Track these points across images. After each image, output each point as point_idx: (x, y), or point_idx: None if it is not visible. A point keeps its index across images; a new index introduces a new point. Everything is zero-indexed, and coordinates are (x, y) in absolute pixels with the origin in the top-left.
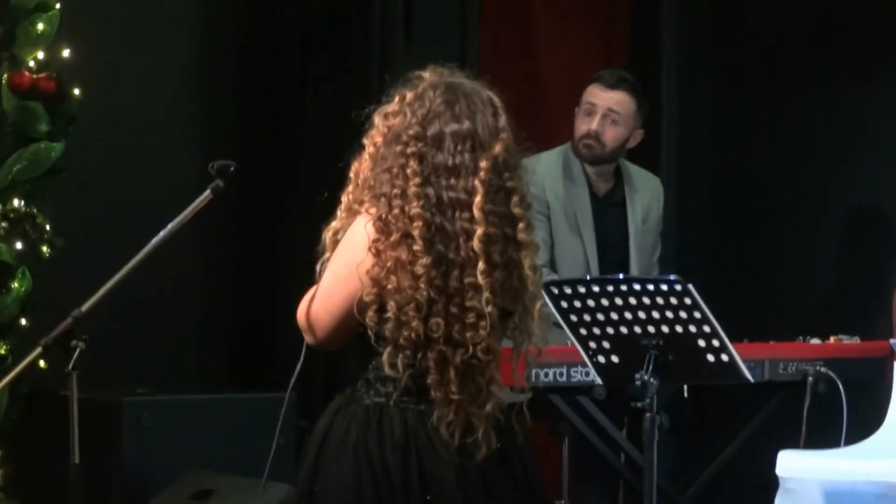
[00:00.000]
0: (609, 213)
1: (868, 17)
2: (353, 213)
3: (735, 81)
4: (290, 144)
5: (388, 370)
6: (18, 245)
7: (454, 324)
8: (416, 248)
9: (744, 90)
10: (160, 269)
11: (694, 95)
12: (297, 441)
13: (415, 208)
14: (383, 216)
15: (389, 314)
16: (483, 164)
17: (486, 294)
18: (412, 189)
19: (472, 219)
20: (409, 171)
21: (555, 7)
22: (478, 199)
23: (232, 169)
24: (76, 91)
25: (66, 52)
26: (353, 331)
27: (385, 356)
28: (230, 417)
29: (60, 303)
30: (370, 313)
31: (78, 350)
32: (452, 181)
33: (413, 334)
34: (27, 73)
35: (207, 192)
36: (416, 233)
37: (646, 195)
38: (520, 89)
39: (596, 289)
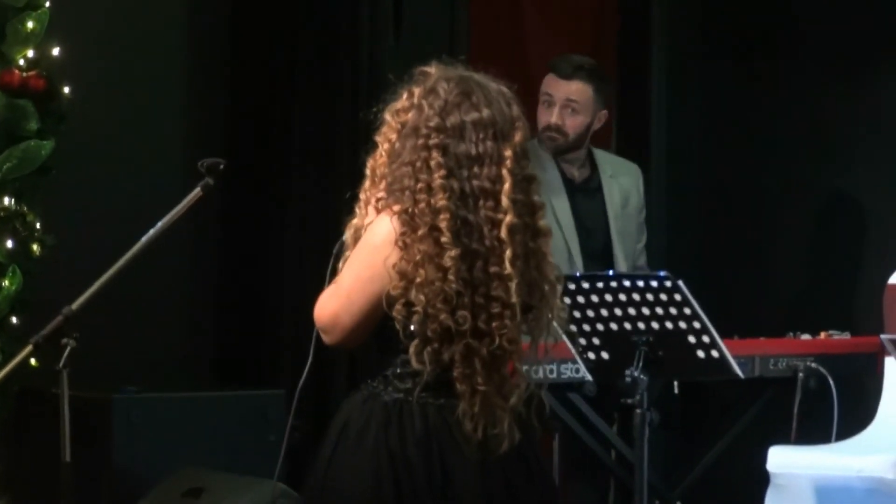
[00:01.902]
0: (587, 198)
1: (853, 17)
2: (373, 209)
3: (724, 78)
4: (279, 141)
5: (415, 364)
6: (9, 243)
7: (480, 314)
8: (443, 240)
9: (733, 87)
10: (150, 267)
11: (683, 89)
12: (287, 438)
13: (440, 200)
14: (409, 210)
15: (418, 308)
16: (507, 152)
17: (513, 283)
18: (437, 181)
19: (496, 207)
20: (432, 163)
21: (545, 5)
22: (506, 187)
23: (221, 167)
24: (66, 89)
25: (55, 51)
26: (371, 330)
27: (412, 350)
28: (219, 415)
29: (51, 301)
30: (398, 307)
31: (68, 348)
32: (476, 170)
33: (440, 327)
34: (17, 72)
35: (197, 190)
36: (443, 225)
37: (624, 180)
38: (509, 85)
39: (586, 285)
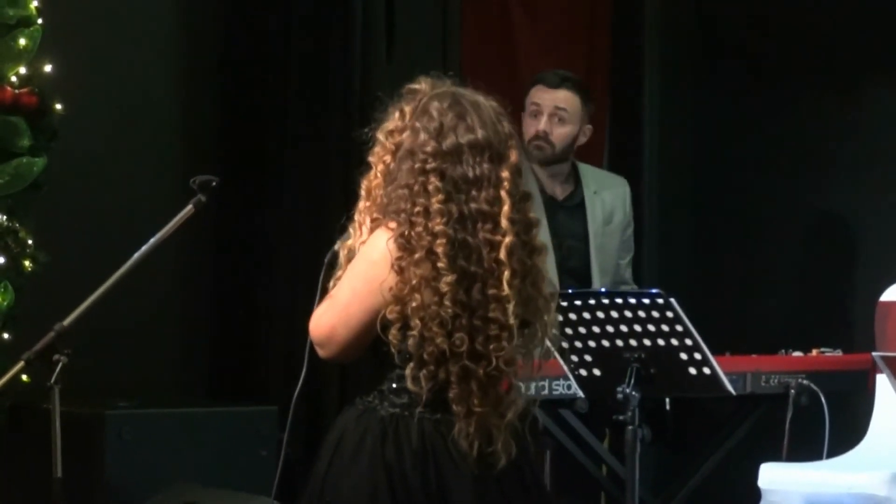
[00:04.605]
0: (568, 216)
1: (851, 29)
2: (367, 230)
3: (716, 96)
4: (271, 158)
5: (411, 386)
6: (0, 259)
7: (477, 337)
8: (440, 264)
9: (726, 101)
10: (142, 282)
11: (675, 106)
12: (277, 454)
13: (438, 225)
14: (405, 233)
15: (413, 331)
16: (505, 173)
17: (511, 304)
18: (435, 206)
19: (495, 229)
20: (430, 187)
21: (536, 21)
22: (505, 208)
23: (214, 184)
24: (58, 106)
25: (47, 68)
26: (368, 344)
27: (408, 372)
28: (212, 431)
29: (43, 317)
30: (393, 331)
31: (60, 364)
32: (474, 193)
33: (437, 350)
34: (9, 88)
35: (189, 207)
36: (439, 250)
37: (609, 195)
38: (501, 105)
39: (578, 302)
